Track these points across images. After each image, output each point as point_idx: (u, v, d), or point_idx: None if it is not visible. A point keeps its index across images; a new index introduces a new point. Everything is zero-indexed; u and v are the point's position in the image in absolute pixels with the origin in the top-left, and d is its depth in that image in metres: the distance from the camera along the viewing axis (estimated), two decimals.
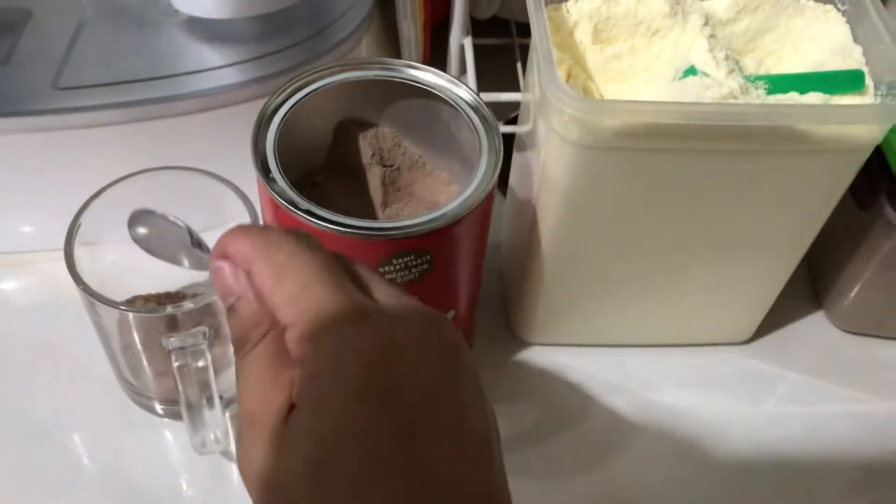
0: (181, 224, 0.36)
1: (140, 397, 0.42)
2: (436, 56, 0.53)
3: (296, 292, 0.23)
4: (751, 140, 0.35)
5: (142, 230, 0.35)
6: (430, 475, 0.22)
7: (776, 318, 0.47)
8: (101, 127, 0.44)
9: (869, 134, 0.35)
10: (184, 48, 0.47)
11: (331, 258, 0.24)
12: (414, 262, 0.34)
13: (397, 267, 0.34)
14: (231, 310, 0.24)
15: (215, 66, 0.46)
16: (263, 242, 0.24)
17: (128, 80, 0.44)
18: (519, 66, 0.54)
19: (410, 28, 0.50)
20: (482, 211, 0.35)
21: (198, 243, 0.36)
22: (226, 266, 0.24)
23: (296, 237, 0.24)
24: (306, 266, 0.23)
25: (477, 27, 0.54)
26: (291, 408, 0.23)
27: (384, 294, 0.24)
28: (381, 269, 0.34)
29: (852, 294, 0.46)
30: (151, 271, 0.44)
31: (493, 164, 0.35)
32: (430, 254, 0.34)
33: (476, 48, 0.51)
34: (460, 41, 0.49)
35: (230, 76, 0.45)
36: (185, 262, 0.35)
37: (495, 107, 0.41)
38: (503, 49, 0.56)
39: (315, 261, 0.23)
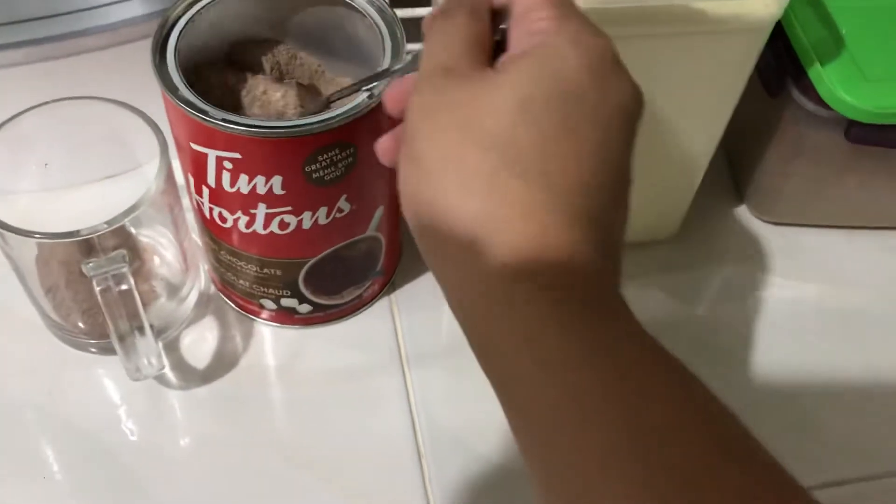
0: None
1: (69, 336, 0.42)
2: None
3: None
4: (653, 23, 0.35)
5: None
6: (604, 166, 0.24)
7: (701, 213, 0.48)
8: (4, 68, 0.43)
9: (765, 10, 0.35)
10: None
11: None
12: (339, 157, 0.34)
13: (323, 164, 0.34)
14: None
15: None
16: None
17: (29, 18, 0.43)
18: None
19: None
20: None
21: None
22: None
23: None
24: None
25: None
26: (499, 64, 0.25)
27: None
28: (307, 168, 0.34)
29: (770, 184, 0.47)
30: (67, 214, 0.43)
31: (398, 51, 0.35)
32: (353, 146, 0.34)
33: None
34: None
35: (133, 9, 0.44)
36: None
37: (412, 24, 0.41)
38: None
39: None
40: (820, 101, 0.41)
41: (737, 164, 0.50)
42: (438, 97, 0.25)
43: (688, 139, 0.42)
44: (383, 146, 0.29)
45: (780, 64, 0.43)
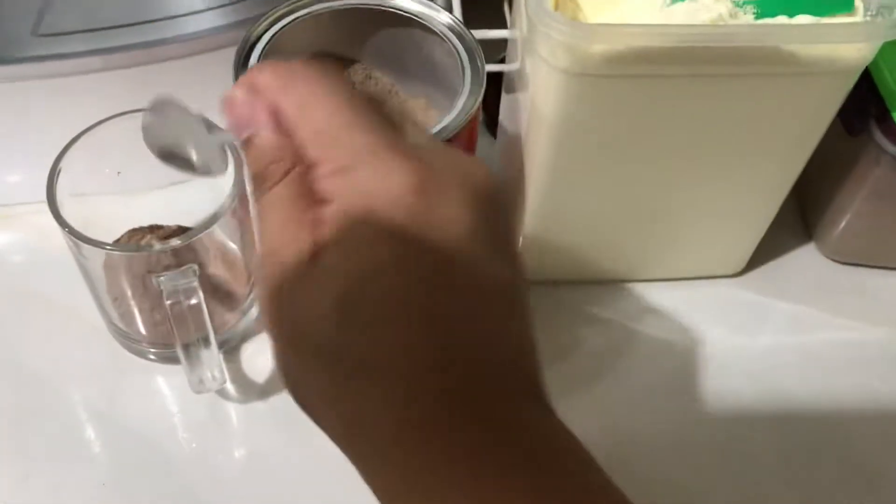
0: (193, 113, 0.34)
1: (132, 343, 0.42)
2: None
3: (322, 127, 0.22)
4: (740, 63, 0.34)
5: (149, 117, 0.33)
6: (456, 323, 0.21)
7: (767, 249, 0.47)
8: (83, 74, 0.44)
9: (857, 54, 0.35)
10: None
11: (362, 95, 0.23)
12: None
13: None
14: (247, 143, 0.23)
15: (197, 9, 0.45)
16: (289, 74, 0.22)
17: (109, 26, 0.44)
18: (506, 5, 0.53)
19: None
20: (472, 126, 0.36)
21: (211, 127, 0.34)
22: (238, 93, 0.23)
23: (323, 71, 0.23)
24: (334, 100, 0.22)
25: None
26: (314, 248, 0.22)
27: (416, 134, 0.23)
28: None
29: (842, 224, 0.46)
30: (138, 218, 0.44)
31: (478, 79, 0.35)
32: None
33: None
34: None
35: (212, 20, 0.45)
36: (193, 153, 0.33)
37: (483, 47, 0.41)
38: None
39: (343, 96, 0.22)
40: None
41: (807, 201, 0.49)
42: (271, 304, 0.23)
43: (763, 177, 0.41)
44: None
45: (863, 104, 0.42)
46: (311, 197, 0.22)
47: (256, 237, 0.24)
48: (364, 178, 0.21)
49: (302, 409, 0.24)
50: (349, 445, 0.22)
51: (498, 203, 0.23)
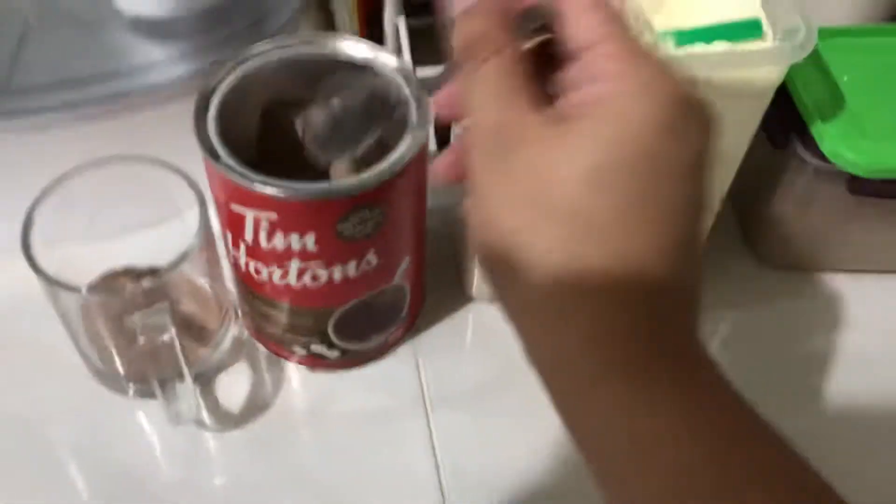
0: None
1: (111, 381, 0.44)
2: (373, 38, 0.55)
3: (610, 17, 0.24)
4: None
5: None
6: (696, 219, 0.24)
7: (706, 260, 0.49)
8: (54, 129, 0.46)
9: (768, 76, 0.38)
10: (129, 47, 0.48)
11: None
12: (369, 216, 0.36)
13: (354, 223, 0.36)
14: (462, 16, 0.25)
15: (160, 61, 0.48)
16: None
17: (76, 78, 0.46)
18: None
19: (344, 11, 0.52)
20: (422, 158, 0.38)
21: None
22: None
23: None
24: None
25: (416, 8, 0.56)
26: (559, 116, 0.24)
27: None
28: (339, 227, 0.36)
29: (775, 231, 0.49)
30: (112, 261, 0.46)
31: (424, 115, 0.37)
32: (383, 205, 0.37)
33: (416, 29, 0.53)
34: (394, 21, 0.52)
35: (175, 70, 0.47)
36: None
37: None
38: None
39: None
40: (822, 156, 0.43)
41: (744, 213, 0.52)
42: (499, 164, 0.24)
43: None
44: (441, 167, 0.29)
45: (785, 119, 0.45)
46: (526, 79, 0.24)
47: (468, 109, 0.25)
48: (647, 70, 0.23)
49: (495, 275, 0.25)
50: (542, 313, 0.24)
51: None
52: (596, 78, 0.23)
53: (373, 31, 0.55)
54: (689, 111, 0.23)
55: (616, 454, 0.23)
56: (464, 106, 0.25)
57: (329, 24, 0.55)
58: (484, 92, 0.25)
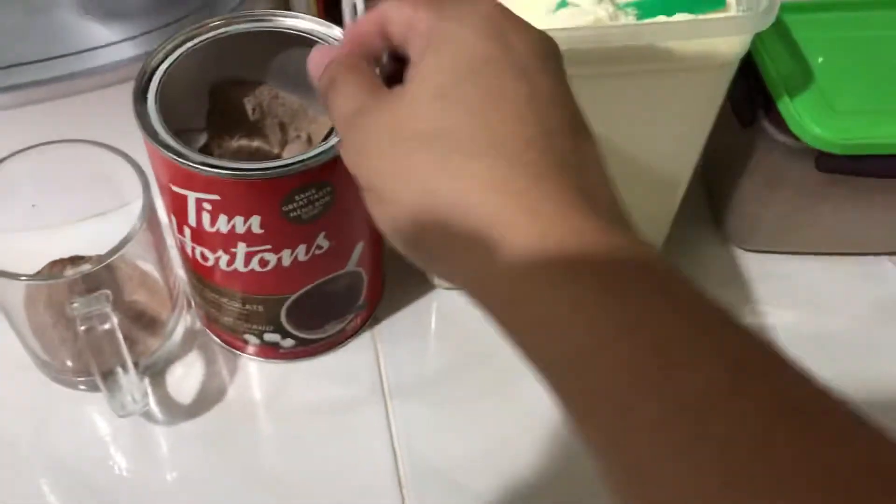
0: None
1: (59, 374, 0.43)
2: (332, 18, 0.54)
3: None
4: (623, 62, 0.36)
5: None
6: (545, 109, 0.25)
7: (679, 242, 0.48)
8: None
9: (731, 48, 0.36)
10: (77, 27, 0.47)
11: None
12: (316, 196, 0.35)
13: (300, 203, 0.35)
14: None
15: (109, 42, 0.46)
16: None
17: (19, 62, 0.44)
18: None
19: None
20: None
21: None
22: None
23: None
24: None
25: None
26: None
27: None
28: (284, 208, 0.35)
29: (745, 213, 0.48)
30: (56, 252, 0.44)
31: None
32: (330, 185, 0.35)
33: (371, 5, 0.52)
34: (352, 0, 0.50)
35: (119, 52, 0.45)
36: None
37: None
38: None
39: None
40: (790, 133, 0.42)
41: (714, 193, 0.51)
42: (364, 133, 0.26)
43: (661, 170, 0.43)
44: (314, 61, 0.30)
45: (752, 95, 0.44)
46: (374, 76, 0.27)
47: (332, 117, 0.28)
48: (453, 8, 0.26)
49: (378, 214, 0.26)
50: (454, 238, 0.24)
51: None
52: (419, 36, 0.26)
53: (330, 11, 0.53)
54: (508, 22, 0.26)
55: (557, 359, 0.23)
56: (329, 115, 0.28)
57: (286, 4, 0.54)
58: (341, 97, 0.27)
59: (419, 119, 0.25)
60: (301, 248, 0.37)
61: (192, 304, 0.45)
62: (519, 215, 0.23)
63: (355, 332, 0.45)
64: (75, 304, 0.36)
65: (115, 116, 0.46)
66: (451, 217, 0.24)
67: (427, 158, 0.24)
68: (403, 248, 0.27)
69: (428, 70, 0.25)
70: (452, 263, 0.25)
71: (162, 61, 0.37)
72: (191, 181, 0.34)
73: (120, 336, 0.36)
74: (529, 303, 0.23)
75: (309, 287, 0.40)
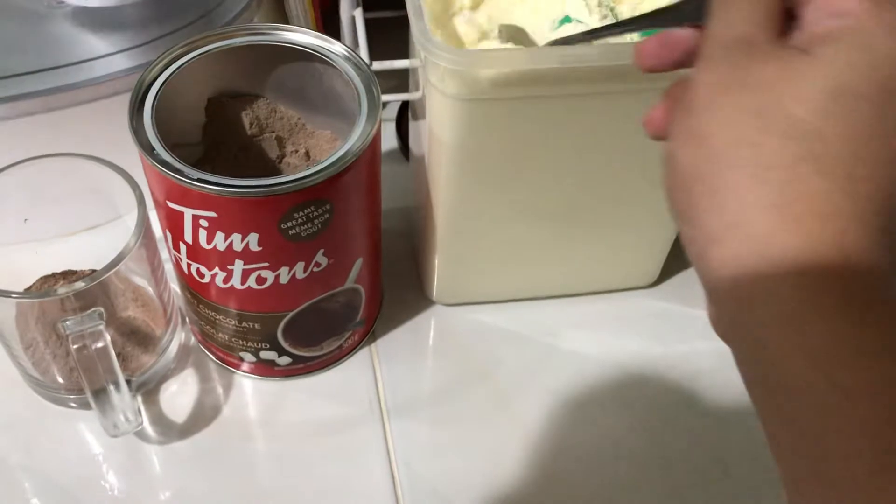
0: None
1: (50, 392, 0.42)
2: (330, 31, 0.53)
3: None
4: (624, 79, 0.36)
5: None
6: None
7: (680, 259, 0.48)
8: None
9: None
10: (72, 39, 0.46)
11: None
12: (315, 213, 0.34)
13: (299, 220, 0.34)
14: None
15: (104, 54, 0.45)
16: None
17: (16, 73, 0.44)
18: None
19: (299, 3, 0.50)
20: (372, 152, 0.36)
21: None
22: None
23: None
24: None
25: (372, 1, 0.54)
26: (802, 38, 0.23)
27: None
28: (283, 226, 0.34)
29: None
30: (49, 266, 0.43)
31: (375, 106, 0.35)
32: (329, 202, 0.34)
33: (373, 21, 0.51)
34: (350, 13, 0.50)
35: (120, 63, 0.45)
36: None
37: (391, 77, 0.42)
38: (400, 21, 0.56)
39: None
40: None
41: None
42: (738, 74, 0.23)
43: (657, 188, 0.42)
44: (651, 117, 0.28)
45: None
46: (778, 10, 0.24)
47: (711, 22, 0.25)
48: (892, 13, 0.23)
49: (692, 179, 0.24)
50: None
51: None
52: (840, 14, 0.23)
53: (329, 24, 0.53)
54: None
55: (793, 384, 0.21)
56: (708, 17, 0.25)
57: (284, 17, 0.53)
58: (741, 9, 0.24)
59: (801, 108, 0.22)
60: (299, 266, 0.36)
61: (187, 319, 0.44)
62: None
63: (353, 349, 0.44)
64: (68, 323, 0.35)
65: (110, 128, 0.45)
66: (752, 216, 0.22)
67: (781, 148, 0.22)
68: (680, 207, 0.24)
69: (837, 63, 0.22)
70: (724, 249, 0.23)
71: (159, 74, 0.36)
72: (187, 197, 0.34)
73: (113, 354, 0.35)
74: (792, 316, 0.21)
75: (306, 304, 0.39)
